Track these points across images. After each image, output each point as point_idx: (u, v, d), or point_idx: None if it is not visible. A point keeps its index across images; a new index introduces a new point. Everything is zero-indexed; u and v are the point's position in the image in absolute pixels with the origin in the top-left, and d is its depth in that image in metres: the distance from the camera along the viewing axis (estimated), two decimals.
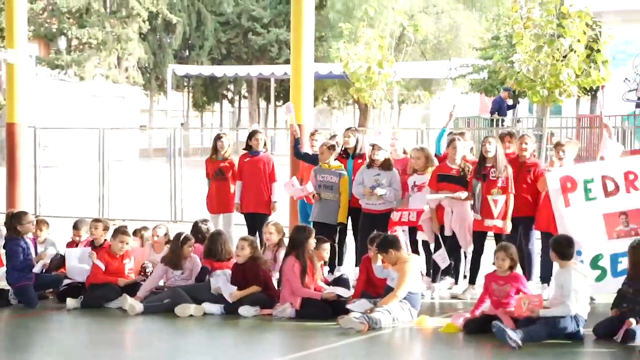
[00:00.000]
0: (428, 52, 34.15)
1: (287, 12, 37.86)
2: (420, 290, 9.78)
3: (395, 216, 10.94)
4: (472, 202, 10.63)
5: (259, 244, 10.81)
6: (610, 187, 9.69)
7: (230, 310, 9.73)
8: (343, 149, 11.98)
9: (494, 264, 9.22)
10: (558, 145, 10.63)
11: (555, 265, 9.27)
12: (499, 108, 26.31)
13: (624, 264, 9.39)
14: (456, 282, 11.09)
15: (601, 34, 20.85)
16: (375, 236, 9.98)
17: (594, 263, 9.47)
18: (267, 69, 39.02)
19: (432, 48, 33.76)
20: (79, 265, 10.66)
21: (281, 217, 12.30)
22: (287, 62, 31.67)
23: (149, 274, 10.81)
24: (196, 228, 11.27)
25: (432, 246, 11.05)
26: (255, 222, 12.18)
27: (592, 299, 9.83)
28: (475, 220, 10.60)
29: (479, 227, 10.63)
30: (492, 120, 25.74)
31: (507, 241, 9.96)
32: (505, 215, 10.48)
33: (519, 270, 9.35)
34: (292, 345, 8.86)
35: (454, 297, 10.82)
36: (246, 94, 48.72)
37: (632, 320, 8.47)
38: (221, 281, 10.05)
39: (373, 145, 11.23)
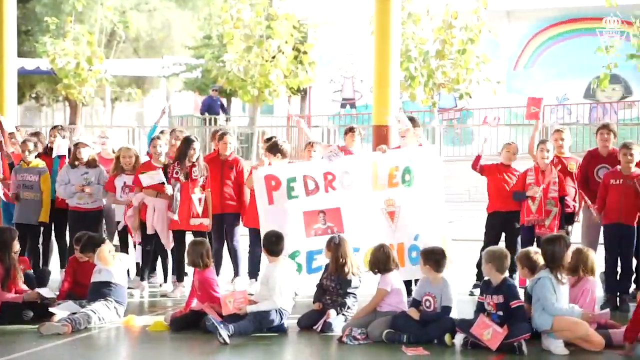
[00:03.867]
0: (141, 50, 33.76)
1: None
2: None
3: None
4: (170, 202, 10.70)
5: None
6: (311, 186, 10.01)
7: None
8: (48, 147, 11.64)
9: None
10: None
11: (264, 261, 9.50)
12: (209, 107, 26.59)
13: (318, 261, 9.76)
14: (165, 280, 11.10)
15: (308, 37, 21.58)
16: (80, 236, 9.76)
17: (291, 259, 9.74)
18: None
19: (145, 46, 33.40)
20: None
21: None
22: None
23: None
24: None
25: (131, 243, 11.09)
26: None
27: (296, 294, 10.21)
28: (174, 220, 10.66)
29: (176, 226, 10.71)
30: (204, 119, 25.94)
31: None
32: (207, 214, 10.66)
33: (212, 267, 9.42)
34: None
35: (163, 295, 10.80)
36: None
37: (332, 312, 8.87)
38: None
39: (76, 144, 11.10)
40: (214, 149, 11.62)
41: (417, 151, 10.37)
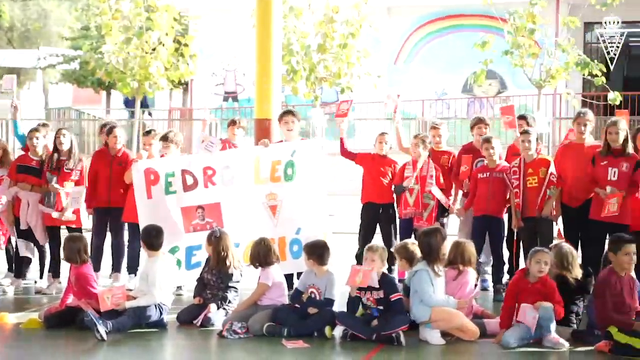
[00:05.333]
0: (15, 40, 32.84)
1: None
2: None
3: None
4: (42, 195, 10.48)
5: None
6: (190, 181, 9.92)
7: None
8: None
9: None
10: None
11: (144, 255, 9.38)
12: (129, 101, 26.43)
13: (198, 256, 9.69)
14: (41, 277, 10.84)
15: (189, 29, 21.34)
16: None
17: (171, 254, 9.64)
18: None
19: (19, 36, 32.52)
20: None
21: None
22: None
23: None
24: None
25: (13, 239, 10.74)
26: None
27: (179, 288, 10.12)
28: (48, 214, 10.42)
29: (50, 221, 10.49)
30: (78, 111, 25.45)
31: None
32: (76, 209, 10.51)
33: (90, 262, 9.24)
34: None
35: (38, 292, 10.54)
36: None
37: (213, 306, 8.81)
38: None
39: None
40: (103, 143, 11.34)
41: (299, 145, 10.39)
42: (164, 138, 10.57)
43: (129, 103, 26.99)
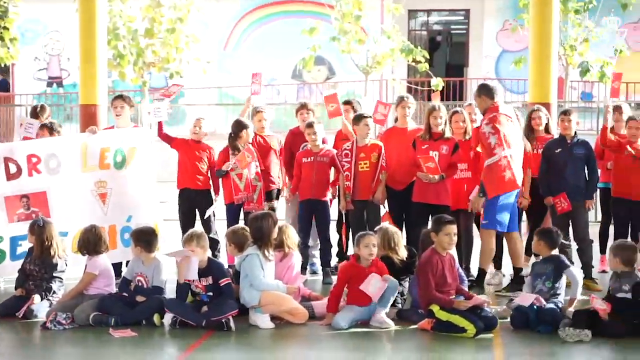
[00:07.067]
0: None
1: None
2: None
3: None
4: None
5: None
6: (13, 169, 9.58)
7: None
8: None
9: None
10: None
11: None
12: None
13: (23, 246, 9.36)
14: None
15: (8, 12, 20.53)
16: None
17: None
18: None
19: None
20: None
21: None
22: None
23: None
24: None
25: None
26: None
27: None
28: None
29: None
30: None
31: None
32: None
33: None
34: None
35: None
36: None
37: (36, 297, 8.54)
38: None
39: None
40: None
41: (129, 132, 10.20)
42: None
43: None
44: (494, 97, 9.46)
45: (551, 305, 8.12)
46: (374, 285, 8.14)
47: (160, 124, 10.64)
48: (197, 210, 10.67)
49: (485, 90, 9.56)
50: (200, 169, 10.57)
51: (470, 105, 10.66)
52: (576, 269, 8.64)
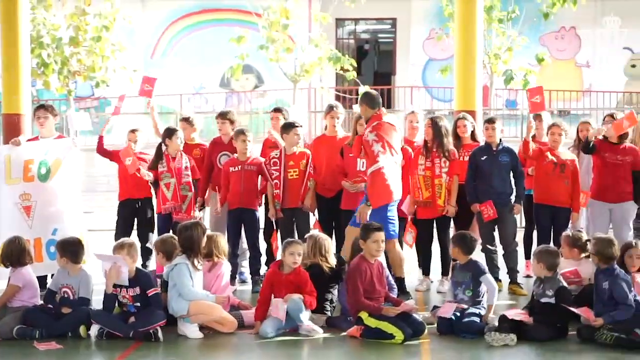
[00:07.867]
0: None
1: None
2: None
3: None
4: None
5: None
6: None
7: None
8: None
9: None
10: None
11: None
12: None
13: None
14: None
15: None
16: None
17: None
18: None
19: None
20: None
21: None
22: None
23: None
24: None
25: None
26: None
27: None
28: None
29: None
30: None
31: None
32: None
33: None
34: None
35: None
36: None
37: None
38: None
39: None
40: None
41: (53, 143, 10.04)
42: None
43: None
44: (375, 107, 9.28)
45: (472, 314, 8.19)
46: (279, 308, 8.18)
47: (100, 140, 10.68)
48: (135, 219, 10.69)
49: (366, 99, 9.41)
50: (141, 177, 10.54)
51: (414, 113, 10.71)
52: (491, 276, 8.67)
